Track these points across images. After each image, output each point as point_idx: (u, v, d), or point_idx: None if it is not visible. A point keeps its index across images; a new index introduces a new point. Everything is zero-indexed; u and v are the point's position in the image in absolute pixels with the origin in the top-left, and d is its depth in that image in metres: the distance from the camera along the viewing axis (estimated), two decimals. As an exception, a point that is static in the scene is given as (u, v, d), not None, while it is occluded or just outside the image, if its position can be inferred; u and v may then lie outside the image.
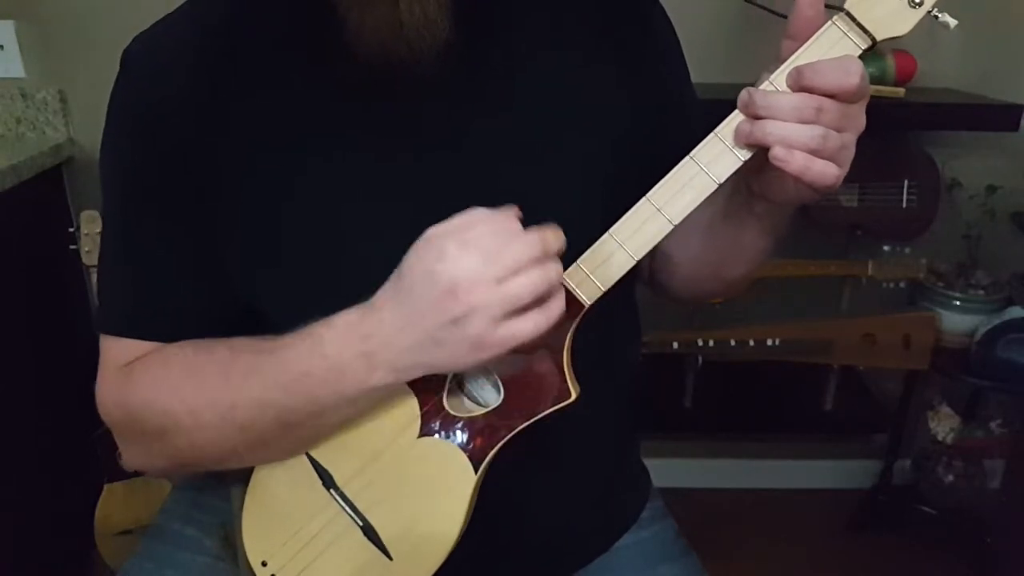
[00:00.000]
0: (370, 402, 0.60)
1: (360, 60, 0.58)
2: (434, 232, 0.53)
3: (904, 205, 1.58)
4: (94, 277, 1.43)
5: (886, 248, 1.61)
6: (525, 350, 0.55)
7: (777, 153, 0.52)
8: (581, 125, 0.66)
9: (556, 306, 0.53)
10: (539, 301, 0.52)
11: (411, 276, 0.53)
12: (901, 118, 1.48)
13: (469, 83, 0.63)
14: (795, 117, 0.52)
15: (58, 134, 1.59)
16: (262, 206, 0.63)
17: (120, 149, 0.65)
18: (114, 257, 0.69)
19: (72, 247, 1.43)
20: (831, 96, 0.52)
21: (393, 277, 0.55)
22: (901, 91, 1.43)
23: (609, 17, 0.69)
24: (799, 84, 0.52)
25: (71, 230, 1.44)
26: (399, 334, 0.54)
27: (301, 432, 0.62)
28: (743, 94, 0.54)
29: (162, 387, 0.64)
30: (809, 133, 0.52)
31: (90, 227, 1.41)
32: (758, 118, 0.53)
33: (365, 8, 0.56)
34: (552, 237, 0.53)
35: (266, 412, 0.60)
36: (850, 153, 0.54)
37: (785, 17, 0.55)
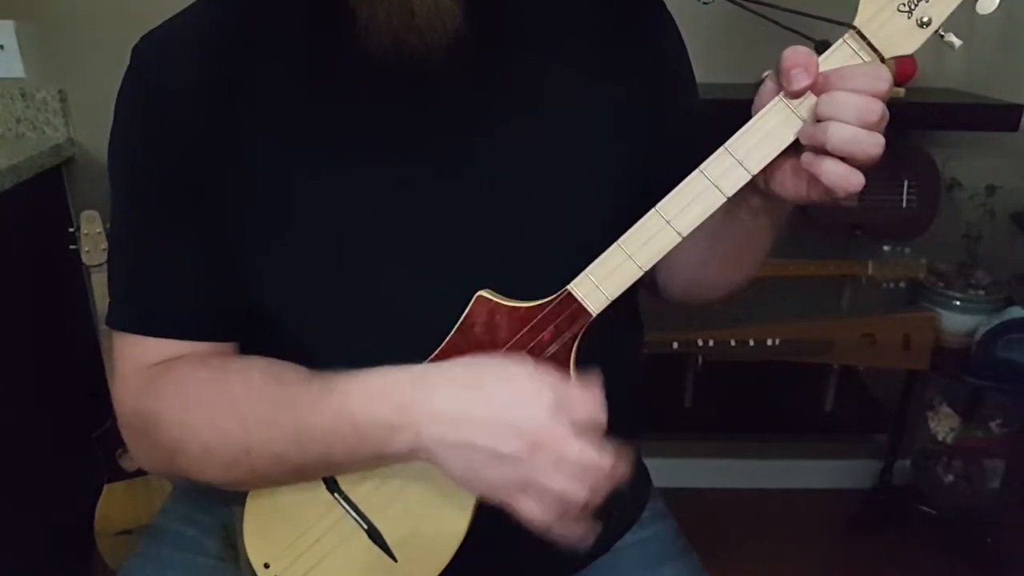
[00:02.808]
0: (385, 463, 0.60)
1: (371, 53, 0.58)
2: (541, 374, 0.55)
3: (904, 205, 1.58)
4: (94, 277, 1.43)
5: (886, 248, 1.61)
6: (523, 343, 0.57)
7: (806, 158, 0.53)
8: (592, 127, 0.66)
9: (568, 530, 0.55)
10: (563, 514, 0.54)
11: (499, 388, 0.54)
12: (901, 118, 1.47)
13: (479, 81, 0.63)
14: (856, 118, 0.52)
15: (58, 134, 1.59)
16: (268, 203, 0.62)
17: (129, 146, 0.65)
18: (123, 253, 0.69)
19: (72, 247, 1.43)
20: None
21: (468, 367, 0.56)
22: (901, 91, 1.43)
23: (617, 20, 0.69)
24: (826, 88, 0.53)
25: (71, 230, 1.44)
26: (442, 421, 0.55)
27: (312, 477, 0.63)
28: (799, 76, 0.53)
29: (177, 414, 0.64)
30: (871, 140, 0.52)
31: (90, 227, 1.41)
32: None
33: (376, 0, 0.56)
34: (620, 460, 0.55)
35: (280, 465, 0.61)
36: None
37: (782, 26, 0.56)
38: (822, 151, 0.53)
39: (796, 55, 0.53)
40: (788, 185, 0.58)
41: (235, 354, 0.68)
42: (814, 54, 0.53)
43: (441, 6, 0.57)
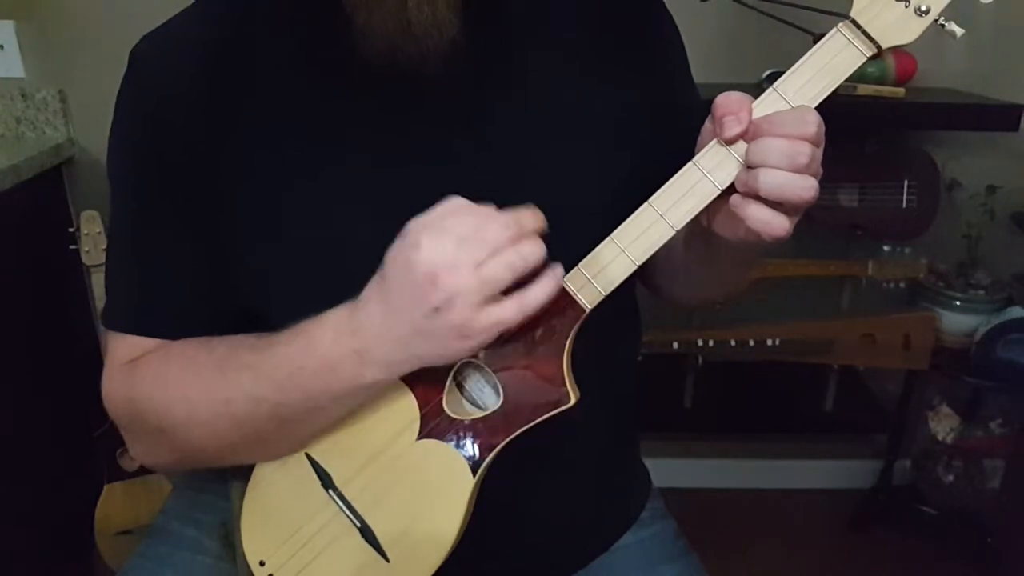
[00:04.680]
0: (364, 398, 0.60)
1: (367, 60, 0.58)
2: (411, 225, 0.53)
3: (904, 205, 1.58)
4: (94, 277, 1.43)
5: (886, 248, 1.61)
6: (516, 338, 0.55)
7: (734, 200, 0.53)
8: (586, 128, 0.66)
9: (538, 290, 0.53)
10: (521, 284, 0.52)
11: (392, 269, 0.54)
12: (901, 118, 1.48)
13: (474, 85, 0.63)
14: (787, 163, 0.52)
15: (58, 134, 1.59)
16: (265, 204, 0.63)
17: (127, 148, 0.66)
18: (120, 254, 0.69)
19: (72, 247, 1.43)
20: None
21: (378, 273, 0.55)
22: (901, 91, 1.43)
23: (615, 19, 0.69)
24: (757, 135, 0.53)
25: (71, 230, 1.44)
26: (386, 328, 0.54)
27: (297, 428, 0.62)
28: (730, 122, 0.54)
29: (162, 383, 0.64)
30: (802, 184, 0.52)
31: (90, 227, 1.41)
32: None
33: (373, 7, 0.56)
34: (528, 217, 0.53)
35: (260, 407, 0.60)
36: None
37: (779, 20, 0.55)
38: (755, 196, 0.53)
39: (728, 101, 0.53)
40: (726, 225, 0.57)
41: None
42: (748, 99, 0.54)
43: (438, 16, 0.57)
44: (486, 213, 0.52)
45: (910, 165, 1.58)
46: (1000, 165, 1.65)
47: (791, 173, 0.51)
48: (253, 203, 0.63)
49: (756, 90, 0.56)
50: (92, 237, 1.41)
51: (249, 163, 0.62)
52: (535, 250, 0.53)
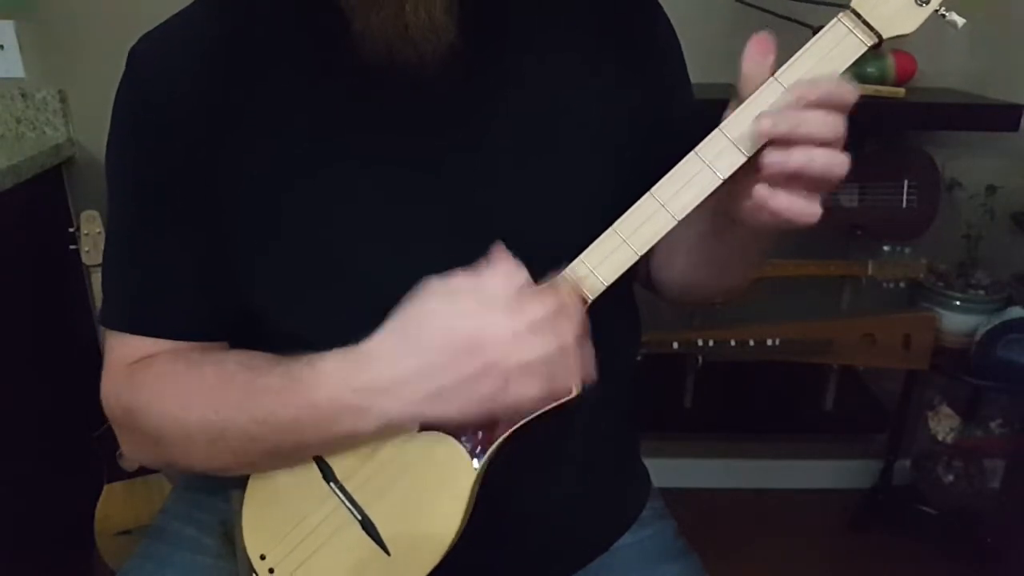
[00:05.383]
0: (362, 441, 0.60)
1: (365, 62, 0.58)
2: (446, 286, 0.54)
3: (904, 205, 1.58)
4: (94, 277, 1.43)
5: (886, 248, 1.61)
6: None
7: (761, 192, 0.52)
8: (582, 131, 0.66)
9: (565, 380, 0.54)
10: (552, 371, 0.53)
11: (422, 329, 0.54)
12: (901, 118, 1.48)
13: (471, 88, 0.63)
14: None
15: (58, 134, 1.59)
16: (264, 203, 0.63)
17: (126, 148, 0.65)
18: (119, 254, 0.69)
19: (72, 247, 1.43)
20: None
21: (394, 326, 0.55)
22: (901, 91, 1.43)
23: (611, 22, 0.69)
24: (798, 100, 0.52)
25: (71, 230, 1.44)
26: (401, 387, 0.54)
27: (292, 460, 0.63)
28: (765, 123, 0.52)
29: (156, 402, 0.64)
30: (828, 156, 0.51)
31: (90, 227, 1.41)
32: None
33: (371, 10, 0.56)
34: (568, 297, 0.54)
35: (256, 445, 0.61)
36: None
37: (780, 16, 0.55)
38: (779, 178, 0.52)
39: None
40: (748, 213, 0.57)
41: (220, 350, 0.69)
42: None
43: (435, 21, 0.57)
44: (525, 286, 0.53)
45: (910, 165, 1.58)
46: (1000, 165, 1.65)
47: (832, 151, 0.51)
48: (252, 203, 0.63)
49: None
50: (92, 237, 1.41)
51: (248, 163, 0.62)
52: (571, 329, 0.54)
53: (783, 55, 0.55)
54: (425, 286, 0.55)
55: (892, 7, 0.52)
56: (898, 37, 0.54)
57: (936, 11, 0.52)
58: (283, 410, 0.59)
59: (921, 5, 0.52)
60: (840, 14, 0.53)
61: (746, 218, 0.57)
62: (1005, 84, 1.55)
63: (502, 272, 0.54)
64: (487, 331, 0.52)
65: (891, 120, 1.47)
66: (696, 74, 0.75)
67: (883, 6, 0.52)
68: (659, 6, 0.72)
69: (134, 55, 0.64)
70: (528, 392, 0.53)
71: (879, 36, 0.53)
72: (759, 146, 0.54)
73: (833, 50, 0.53)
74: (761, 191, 0.52)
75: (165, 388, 0.64)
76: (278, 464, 0.64)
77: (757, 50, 0.53)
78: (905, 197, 1.57)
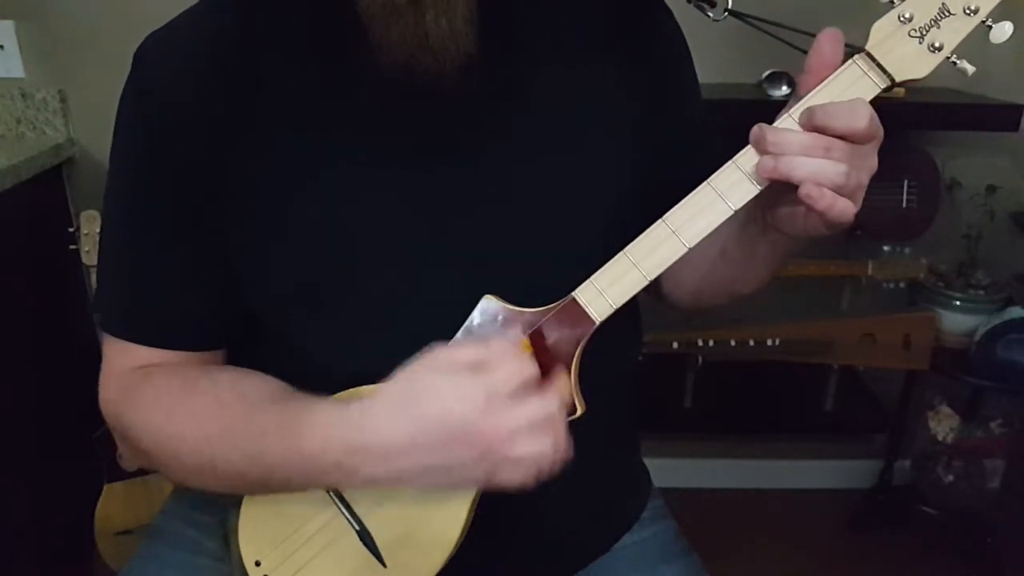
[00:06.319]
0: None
1: (382, 70, 0.58)
2: (448, 360, 0.54)
3: (904, 205, 1.58)
4: (94, 277, 1.43)
5: (886, 248, 1.61)
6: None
7: (810, 191, 0.52)
8: (594, 138, 0.66)
9: (551, 468, 0.55)
10: (541, 464, 0.54)
11: (421, 404, 0.54)
12: (901, 118, 1.48)
13: (486, 95, 0.63)
14: (803, 154, 0.52)
15: (58, 134, 1.59)
16: (271, 207, 0.62)
17: (130, 150, 0.65)
18: (116, 256, 0.68)
19: (72, 247, 1.43)
20: (842, 137, 0.52)
21: (394, 392, 0.55)
22: (901, 91, 1.43)
23: (623, 28, 0.69)
24: (811, 124, 0.53)
25: (71, 230, 1.43)
26: (392, 457, 0.55)
27: (281, 492, 0.64)
28: (755, 130, 0.54)
29: (150, 424, 0.65)
30: (835, 169, 0.52)
31: (90, 227, 1.40)
32: (767, 153, 0.53)
33: (391, 19, 0.56)
34: (562, 393, 0.55)
35: (245, 478, 0.62)
36: (863, 193, 0.55)
37: (788, 43, 0.56)
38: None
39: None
40: (786, 219, 0.57)
41: (218, 362, 0.69)
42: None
43: (455, 29, 0.57)
44: (531, 380, 0.54)
45: (910, 165, 1.58)
46: (1000, 165, 1.65)
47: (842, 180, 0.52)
48: (259, 204, 0.62)
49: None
50: (92, 237, 1.40)
51: (255, 165, 0.62)
52: (560, 434, 0.55)
53: (784, 61, 0.55)
54: (431, 353, 0.55)
55: (906, 52, 0.53)
56: (910, 81, 0.54)
57: (947, 58, 0.54)
58: (273, 453, 0.59)
59: (934, 52, 0.53)
60: (855, 56, 0.54)
61: (783, 224, 0.57)
62: (1005, 84, 1.55)
63: (511, 364, 0.54)
64: (487, 424, 0.52)
65: (891, 120, 1.45)
66: (697, 74, 0.75)
67: (897, 51, 0.53)
68: (670, 13, 0.72)
69: (139, 56, 0.63)
70: (514, 479, 0.54)
71: (892, 79, 0.54)
72: (775, 180, 0.54)
73: (846, 91, 0.54)
74: (810, 189, 0.52)
75: (159, 412, 0.64)
76: (267, 492, 0.65)
77: (827, 40, 0.54)
78: (905, 197, 1.57)
